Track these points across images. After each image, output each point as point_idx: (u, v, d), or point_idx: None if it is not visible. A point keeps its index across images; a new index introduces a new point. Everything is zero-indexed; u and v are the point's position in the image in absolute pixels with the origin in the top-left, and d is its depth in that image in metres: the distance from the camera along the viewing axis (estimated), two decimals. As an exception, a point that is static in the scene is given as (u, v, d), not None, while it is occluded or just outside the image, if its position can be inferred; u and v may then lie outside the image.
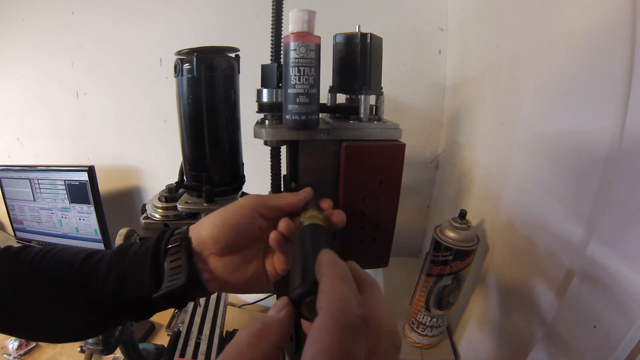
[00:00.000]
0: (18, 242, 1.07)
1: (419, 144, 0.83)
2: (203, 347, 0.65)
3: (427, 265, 0.54)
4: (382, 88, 0.42)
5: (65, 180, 0.93)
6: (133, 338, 0.63)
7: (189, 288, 0.28)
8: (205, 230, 0.30)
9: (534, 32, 0.46)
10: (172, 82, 0.42)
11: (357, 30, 0.37)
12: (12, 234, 1.09)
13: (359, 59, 0.37)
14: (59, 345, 0.84)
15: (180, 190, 0.48)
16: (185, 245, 0.29)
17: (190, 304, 0.76)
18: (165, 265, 0.28)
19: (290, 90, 0.34)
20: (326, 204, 0.33)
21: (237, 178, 0.47)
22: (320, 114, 0.38)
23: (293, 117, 0.35)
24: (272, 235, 0.29)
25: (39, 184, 0.96)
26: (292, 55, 0.33)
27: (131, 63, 0.92)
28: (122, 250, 0.31)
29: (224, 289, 0.32)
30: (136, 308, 0.30)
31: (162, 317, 0.90)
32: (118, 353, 0.63)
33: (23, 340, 0.83)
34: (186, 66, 0.39)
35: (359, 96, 0.38)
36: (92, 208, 0.93)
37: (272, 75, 0.38)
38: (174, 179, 0.49)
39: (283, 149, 0.42)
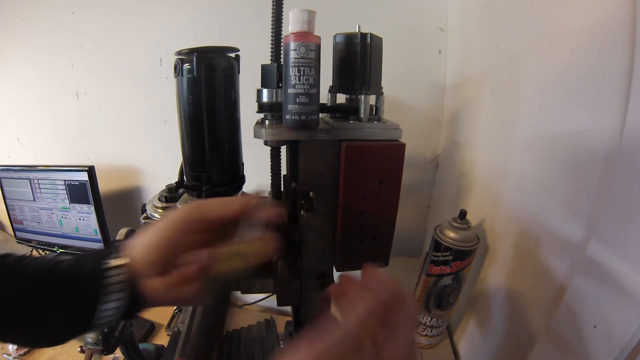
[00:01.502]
0: (18, 242, 1.06)
1: (419, 144, 0.83)
2: (203, 347, 0.64)
3: (427, 265, 0.54)
4: (382, 88, 0.42)
5: (65, 180, 0.93)
6: (133, 338, 0.63)
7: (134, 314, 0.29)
8: (138, 255, 0.29)
9: (534, 32, 0.46)
10: (172, 82, 0.41)
11: (357, 30, 0.37)
12: (12, 234, 1.09)
13: (359, 59, 0.37)
14: (59, 346, 0.84)
15: (180, 190, 0.48)
16: (126, 290, 0.28)
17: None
18: (104, 307, 0.28)
19: (290, 90, 0.34)
20: (274, 211, 0.30)
21: (237, 178, 0.47)
22: (320, 114, 0.38)
23: (293, 117, 0.35)
24: (189, 269, 0.28)
25: (39, 184, 0.96)
26: (292, 55, 0.32)
27: (131, 63, 0.92)
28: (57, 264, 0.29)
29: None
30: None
31: (162, 317, 0.90)
32: (118, 353, 0.62)
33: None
34: (186, 66, 0.39)
35: (359, 96, 0.38)
36: (92, 208, 0.93)
37: (272, 75, 0.38)
38: (174, 179, 0.49)
39: (283, 149, 0.42)
